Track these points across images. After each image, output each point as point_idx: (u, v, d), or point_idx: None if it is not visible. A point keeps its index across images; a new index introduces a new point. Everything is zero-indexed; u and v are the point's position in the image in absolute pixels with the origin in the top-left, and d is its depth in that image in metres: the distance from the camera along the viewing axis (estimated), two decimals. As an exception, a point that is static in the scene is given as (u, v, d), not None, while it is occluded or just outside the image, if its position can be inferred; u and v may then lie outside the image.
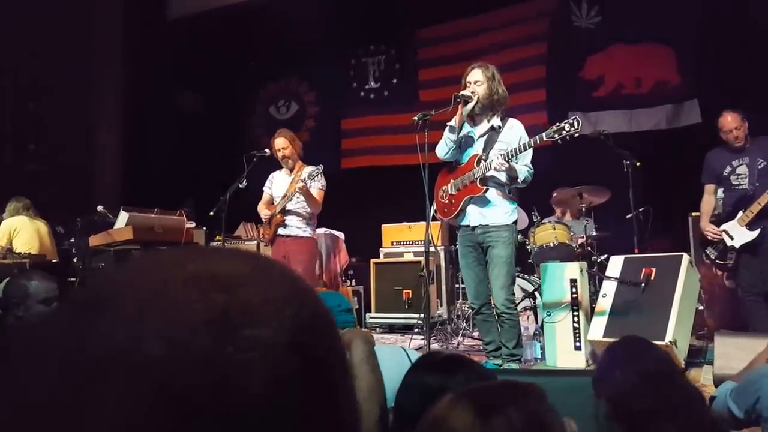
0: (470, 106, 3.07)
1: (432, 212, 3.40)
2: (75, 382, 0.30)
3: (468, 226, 3.13)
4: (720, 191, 3.78)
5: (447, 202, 3.22)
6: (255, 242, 5.10)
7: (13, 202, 4.71)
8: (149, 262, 0.37)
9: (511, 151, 2.96)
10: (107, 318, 0.32)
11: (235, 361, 0.31)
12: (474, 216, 3.11)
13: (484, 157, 3.07)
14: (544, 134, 2.91)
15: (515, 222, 3.14)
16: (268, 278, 0.36)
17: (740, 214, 3.48)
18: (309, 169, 3.93)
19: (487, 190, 3.05)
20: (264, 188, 4.12)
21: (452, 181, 3.19)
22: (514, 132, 3.11)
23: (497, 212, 3.07)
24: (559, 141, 2.90)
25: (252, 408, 0.31)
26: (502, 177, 3.06)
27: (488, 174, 3.05)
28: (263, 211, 4.04)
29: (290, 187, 3.91)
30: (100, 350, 0.31)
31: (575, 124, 2.82)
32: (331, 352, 0.36)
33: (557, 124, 2.88)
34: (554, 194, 4.73)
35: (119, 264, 0.45)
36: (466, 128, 3.19)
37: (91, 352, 0.31)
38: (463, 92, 3.09)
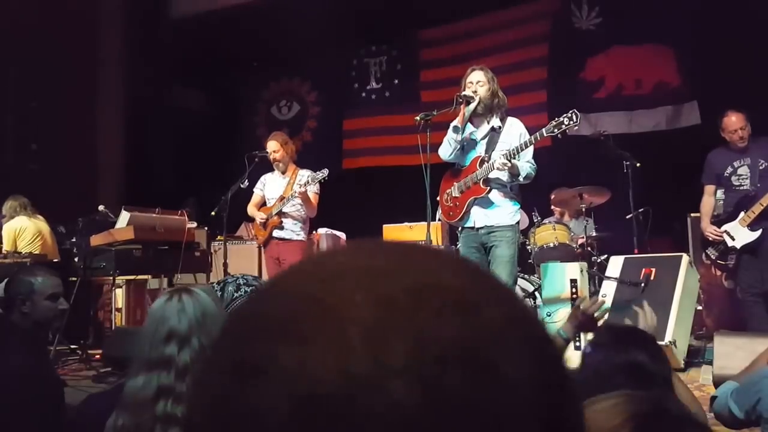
0: (473, 106, 3.09)
1: (438, 216, 3.42)
2: (307, 427, 0.24)
3: (472, 227, 3.15)
4: (719, 192, 3.80)
5: (452, 205, 3.24)
6: (256, 242, 5.12)
7: (10, 200, 4.62)
8: (349, 269, 0.29)
9: (513, 149, 2.99)
10: (332, 347, 0.25)
11: (492, 408, 0.25)
12: (478, 217, 3.12)
13: (486, 159, 3.09)
14: (544, 130, 2.95)
15: (518, 222, 3.17)
16: (495, 290, 0.29)
17: (742, 214, 3.50)
18: (305, 172, 3.95)
19: (490, 190, 3.08)
20: (255, 189, 4.15)
21: (455, 184, 3.21)
22: (514, 131, 3.14)
23: (501, 213, 3.10)
24: (559, 135, 2.94)
25: None
26: (505, 177, 3.08)
27: (491, 175, 3.07)
28: (257, 213, 4.07)
29: (287, 190, 3.94)
30: (335, 389, 0.24)
31: (574, 117, 2.86)
32: (570, 389, 0.29)
33: (556, 119, 2.93)
34: (554, 195, 4.75)
35: (308, 269, 0.30)
36: (469, 128, 3.21)
37: (323, 390, 0.24)
38: (465, 92, 3.11)
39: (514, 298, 0.30)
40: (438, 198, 3.34)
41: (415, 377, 0.24)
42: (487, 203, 3.11)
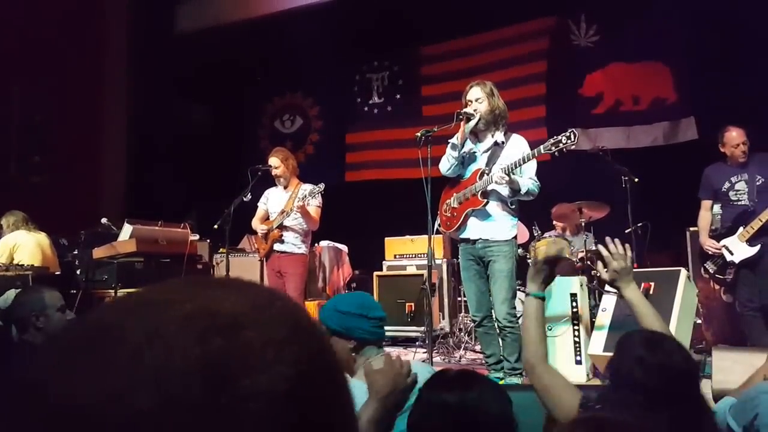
0: (472, 123, 3.14)
1: (436, 226, 3.46)
2: None
3: (468, 239, 3.19)
4: (716, 207, 3.83)
5: (449, 215, 3.28)
6: (258, 256, 5.14)
7: (9, 216, 4.59)
8: (146, 300, 0.34)
9: (512, 164, 3.02)
10: (98, 364, 0.30)
11: (230, 414, 0.29)
12: (474, 229, 3.16)
13: (486, 171, 3.13)
14: (542, 147, 2.97)
15: (515, 237, 3.20)
16: (269, 316, 0.34)
17: (740, 229, 3.54)
18: (307, 186, 4.00)
19: (487, 203, 3.11)
20: (259, 204, 4.20)
21: (455, 194, 3.26)
22: (516, 147, 3.18)
23: (498, 227, 3.13)
24: (556, 153, 2.96)
25: None
26: (504, 191, 3.11)
27: (490, 188, 3.11)
28: (259, 226, 4.12)
29: (288, 204, 4.00)
30: (88, 400, 0.29)
31: (572, 136, 2.88)
32: (332, 402, 0.34)
33: (555, 137, 2.95)
34: (554, 209, 4.79)
35: (116, 300, 0.38)
36: (469, 145, 3.26)
37: (78, 402, 0.28)
38: (465, 110, 3.15)
39: (285, 322, 0.34)
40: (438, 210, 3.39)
41: (158, 391, 0.28)
42: (484, 215, 3.14)
